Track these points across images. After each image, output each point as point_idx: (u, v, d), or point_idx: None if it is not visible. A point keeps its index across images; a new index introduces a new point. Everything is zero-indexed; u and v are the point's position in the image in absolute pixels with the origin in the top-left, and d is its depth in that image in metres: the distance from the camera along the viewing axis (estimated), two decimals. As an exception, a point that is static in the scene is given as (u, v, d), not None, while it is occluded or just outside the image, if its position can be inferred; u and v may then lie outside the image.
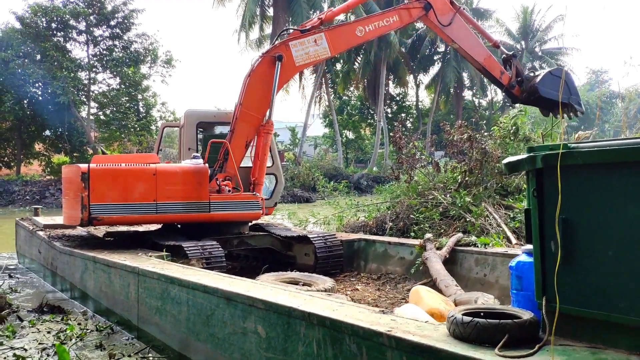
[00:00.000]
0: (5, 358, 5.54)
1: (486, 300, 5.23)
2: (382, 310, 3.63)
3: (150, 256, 7.04)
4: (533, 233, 3.08)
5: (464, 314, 3.00)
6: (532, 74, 9.39)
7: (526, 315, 2.99)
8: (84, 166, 7.81)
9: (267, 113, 8.67)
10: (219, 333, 4.61)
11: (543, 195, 3.03)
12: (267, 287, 4.74)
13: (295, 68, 8.83)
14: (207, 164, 8.32)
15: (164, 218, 8.08)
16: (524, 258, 3.50)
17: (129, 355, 5.58)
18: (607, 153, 2.75)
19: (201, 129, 9.82)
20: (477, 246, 7.14)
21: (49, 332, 6.52)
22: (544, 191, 3.03)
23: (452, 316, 2.99)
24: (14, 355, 5.53)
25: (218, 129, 10.61)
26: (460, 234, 7.80)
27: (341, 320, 3.41)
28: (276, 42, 8.94)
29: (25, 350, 5.79)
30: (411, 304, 4.81)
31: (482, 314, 3.07)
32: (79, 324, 6.92)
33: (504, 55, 9.63)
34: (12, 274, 10.68)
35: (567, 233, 2.87)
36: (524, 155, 3.11)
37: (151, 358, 5.58)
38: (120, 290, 6.65)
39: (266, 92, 8.53)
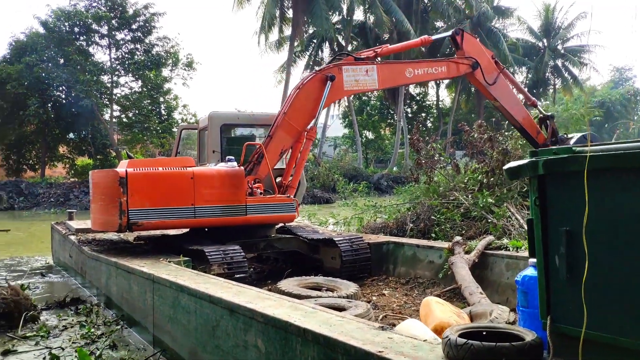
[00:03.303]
0: (44, 358, 5.75)
1: (500, 314, 5.03)
2: (382, 327, 3.53)
3: (170, 262, 7.02)
4: (536, 246, 2.86)
5: (460, 334, 2.84)
6: (565, 136, 9.82)
7: (529, 336, 2.79)
8: (121, 171, 7.67)
9: (312, 122, 8.84)
10: (224, 345, 4.55)
11: (546, 204, 2.81)
12: (272, 298, 4.66)
13: (343, 92, 9.04)
14: (242, 167, 8.35)
15: (202, 222, 8.02)
16: (530, 272, 3.21)
17: (139, 361, 5.66)
18: (615, 158, 2.50)
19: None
20: (509, 250, 6.96)
21: (77, 325, 6.92)
22: (547, 200, 2.80)
23: (447, 337, 2.84)
24: (50, 353, 5.78)
25: (238, 131, 10.69)
26: (491, 237, 7.65)
27: (334, 338, 3.30)
28: (330, 64, 9.24)
29: (63, 349, 6.02)
30: (414, 320, 4.64)
31: (484, 333, 2.91)
32: (97, 314, 7.37)
33: (541, 115, 10.01)
34: (44, 273, 11.07)
35: (571, 246, 2.67)
36: (525, 161, 2.88)
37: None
38: (138, 297, 6.66)
39: (311, 107, 8.68)
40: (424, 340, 3.23)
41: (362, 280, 8.27)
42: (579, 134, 9.82)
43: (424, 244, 8.43)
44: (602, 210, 2.58)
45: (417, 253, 8.34)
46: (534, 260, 3.01)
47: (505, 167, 3.07)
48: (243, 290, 5.05)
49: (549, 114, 10.09)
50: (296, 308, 4.20)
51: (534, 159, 2.83)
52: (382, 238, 9.39)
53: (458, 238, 7.73)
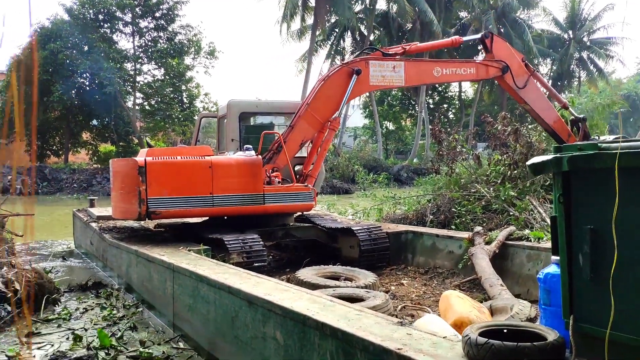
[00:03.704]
0: (67, 338, 5.93)
1: (521, 309, 4.96)
2: (400, 322, 3.51)
3: (189, 251, 7.06)
4: (559, 244, 2.80)
5: (481, 333, 2.80)
6: (596, 138, 9.63)
7: (551, 335, 2.74)
8: (140, 160, 7.71)
9: (336, 114, 8.80)
10: (243, 336, 4.56)
11: (570, 202, 2.74)
12: (290, 290, 4.65)
13: (368, 86, 8.98)
14: (259, 156, 8.35)
15: (220, 211, 8.05)
16: (553, 270, 3.14)
17: (159, 344, 5.72)
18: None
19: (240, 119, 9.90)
20: (530, 240, 6.89)
21: (97, 308, 7.11)
22: (572, 197, 2.73)
23: (467, 336, 2.80)
24: (73, 333, 5.94)
25: (257, 119, 10.69)
26: (512, 227, 7.60)
27: (352, 334, 3.28)
28: (357, 57, 9.17)
29: (85, 330, 6.16)
30: (433, 315, 4.58)
31: (505, 331, 2.88)
32: (116, 298, 7.55)
33: (572, 117, 9.88)
34: (65, 257, 11.29)
35: (595, 245, 2.61)
36: (549, 156, 2.80)
37: (182, 345, 5.69)
38: (159, 286, 6.70)
39: (335, 100, 8.64)
40: (444, 337, 3.19)
41: (380, 269, 8.26)
42: (612, 137, 9.69)
43: (444, 233, 8.40)
44: (627, 209, 2.51)
45: (436, 243, 8.31)
46: (557, 257, 2.95)
47: (528, 163, 3.01)
48: (262, 281, 5.04)
49: (581, 116, 9.96)
50: (314, 301, 4.18)
51: (558, 155, 2.76)
52: (400, 227, 9.36)
53: (478, 228, 7.68)
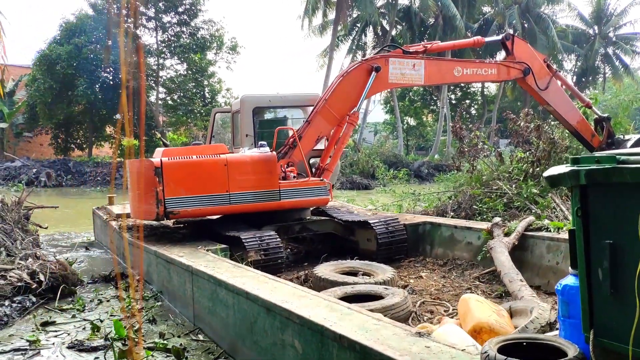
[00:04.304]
0: (84, 328, 6.02)
1: (540, 313, 4.88)
2: (419, 333, 3.50)
3: (208, 251, 7.09)
4: (578, 258, 2.74)
5: (500, 348, 2.75)
6: (622, 137, 9.56)
7: (571, 350, 2.69)
8: (156, 160, 7.76)
9: (355, 108, 8.80)
10: (262, 342, 4.56)
11: (588, 216, 2.66)
12: (308, 296, 4.63)
13: (387, 84, 8.98)
14: (274, 152, 8.37)
15: (237, 208, 8.09)
16: (571, 281, 3.08)
17: (179, 336, 5.77)
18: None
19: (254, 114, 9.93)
20: (550, 231, 6.83)
21: (112, 299, 7.19)
22: (590, 211, 2.66)
23: (486, 352, 2.75)
24: (91, 323, 6.01)
25: (271, 114, 10.72)
26: (531, 217, 7.53)
27: (370, 347, 3.27)
28: (377, 54, 9.21)
29: (102, 321, 6.23)
30: (452, 324, 4.53)
31: (524, 343, 2.83)
32: (136, 290, 7.47)
33: (596, 117, 9.83)
34: (88, 247, 11.45)
35: (614, 260, 2.55)
36: (565, 169, 2.71)
37: (201, 337, 5.73)
38: (179, 287, 6.72)
39: (353, 97, 8.65)
40: (462, 350, 3.17)
41: (398, 261, 8.26)
42: (637, 136, 9.51)
43: (462, 224, 8.35)
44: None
45: (454, 234, 8.28)
46: (575, 270, 2.90)
47: (545, 175, 2.91)
48: (279, 285, 5.03)
49: (605, 115, 9.89)
50: (332, 309, 4.16)
51: (575, 167, 2.67)
52: (418, 218, 9.31)
53: (497, 219, 7.62)
